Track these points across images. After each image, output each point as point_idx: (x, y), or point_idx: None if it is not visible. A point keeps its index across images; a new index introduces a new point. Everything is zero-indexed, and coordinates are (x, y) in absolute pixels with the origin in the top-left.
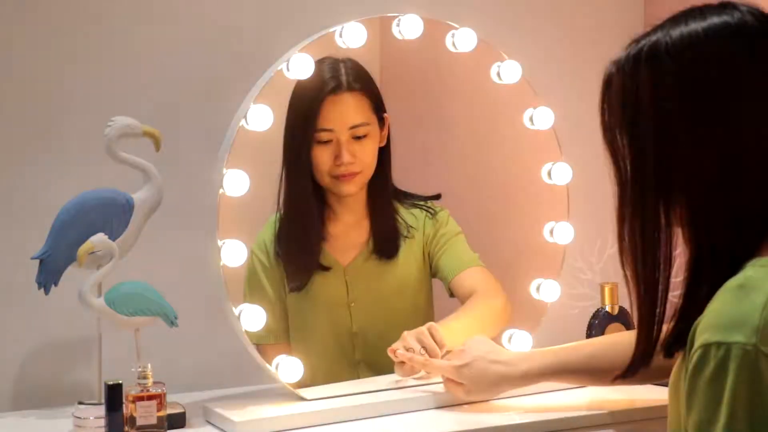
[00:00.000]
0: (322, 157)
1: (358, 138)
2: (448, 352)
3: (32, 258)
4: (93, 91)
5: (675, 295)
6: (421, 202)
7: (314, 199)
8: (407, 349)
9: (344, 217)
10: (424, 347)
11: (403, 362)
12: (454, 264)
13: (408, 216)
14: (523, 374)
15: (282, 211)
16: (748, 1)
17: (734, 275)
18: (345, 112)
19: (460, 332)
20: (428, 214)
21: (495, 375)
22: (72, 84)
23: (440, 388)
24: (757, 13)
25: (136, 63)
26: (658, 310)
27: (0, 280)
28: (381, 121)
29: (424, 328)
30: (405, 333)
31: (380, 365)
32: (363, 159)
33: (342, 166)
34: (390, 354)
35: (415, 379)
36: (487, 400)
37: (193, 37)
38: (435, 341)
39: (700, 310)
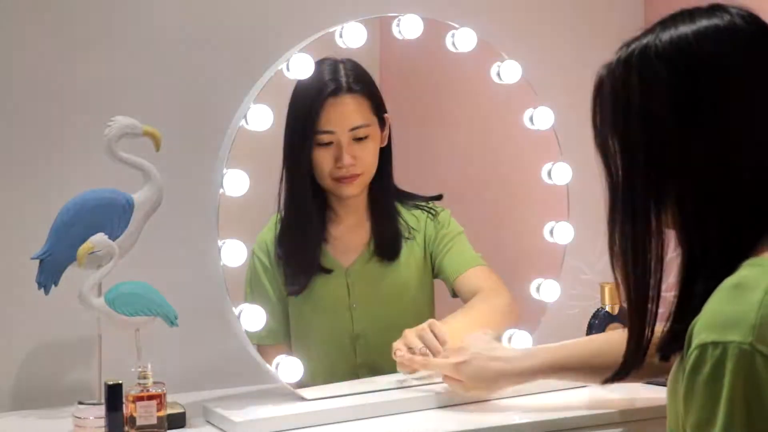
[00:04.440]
0: (323, 159)
1: (358, 140)
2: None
3: (32, 258)
4: (93, 91)
5: (672, 295)
6: (423, 203)
7: (315, 200)
8: (409, 348)
9: (345, 219)
10: (425, 344)
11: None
12: (457, 264)
13: (409, 217)
14: (521, 371)
15: (282, 213)
16: (739, 4)
17: (729, 275)
18: (345, 114)
19: (464, 330)
20: (429, 215)
21: (493, 372)
22: (72, 84)
23: (442, 388)
24: (747, 15)
25: (137, 63)
26: (649, 313)
27: (0, 280)
28: (381, 121)
29: (425, 325)
30: (406, 330)
31: (381, 367)
32: (364, 160)
33: (343, 168)
34: (393, 354)
35: (414, 379)
36: (488, 399)
37: (193, 36)
38: (437, 338)
39: (695, 312)
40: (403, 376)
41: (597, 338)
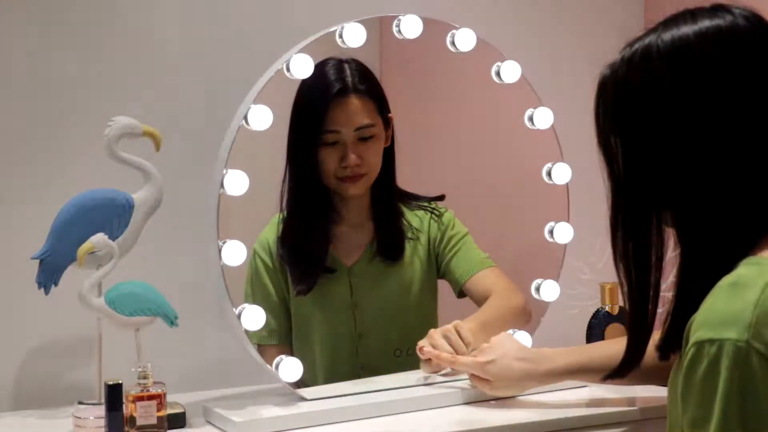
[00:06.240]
0: (328, 159)
1: (363, 139)
2: (473, 350)
3: (32, 258)
4: (93, 91)
5: (672, 294)
6: (425, 203)
7: (319, 200)
8: (434, 347)
9: (348, 219)
10: (451, 344)
11: (429, 359)
12: (467, 266)
13: (412, 217)
14: (546, 372)
15: (286, 213)
16: (742, 3)
17: (727, 274)
18: (351, 114)
19: (484, 331)
20: (433, 216)
21: (519, 372)
22: (72, 84)
23: (442, 388)
24: (750, 16)
25: (137, 63)
26: (649, 312)
27: (0, 280)
28: (386, 121)
29: (450, 326)
30: (432, 330)
31: (383, 368)
32: (369, 160)
33: (348, 168)
34: (418, 351)
35: (440, 376)
36: (512, 397)
37: (193, 36)
38: (461, 339)
39: (693, 310)
40: (427, 374)
41: (621, 341)
